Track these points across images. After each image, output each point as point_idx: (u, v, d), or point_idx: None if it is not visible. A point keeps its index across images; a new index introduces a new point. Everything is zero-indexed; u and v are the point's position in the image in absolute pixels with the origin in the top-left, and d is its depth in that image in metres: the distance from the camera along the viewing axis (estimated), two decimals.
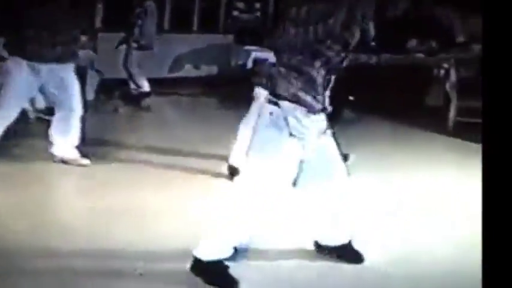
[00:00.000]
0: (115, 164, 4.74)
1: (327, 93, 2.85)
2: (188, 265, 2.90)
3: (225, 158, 4.57)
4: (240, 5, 9.54)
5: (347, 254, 3.19)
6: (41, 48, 4.36)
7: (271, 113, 2.80)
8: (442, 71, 6.96)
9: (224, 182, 4.29)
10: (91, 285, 2.83)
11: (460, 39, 6.89)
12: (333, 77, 2.84)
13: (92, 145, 4.90)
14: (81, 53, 5.95)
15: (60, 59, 4.48)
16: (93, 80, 6.90)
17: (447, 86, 6.57)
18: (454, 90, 6.44)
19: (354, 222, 3.21)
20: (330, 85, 2.85)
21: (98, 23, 8.43)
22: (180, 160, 4.89)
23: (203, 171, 4.60)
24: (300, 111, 2.77)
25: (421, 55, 7.85)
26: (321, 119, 2.88)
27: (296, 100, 2.76)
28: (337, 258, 3.18)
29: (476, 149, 5.81)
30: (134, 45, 7.47)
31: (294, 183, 2.92)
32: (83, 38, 6.78)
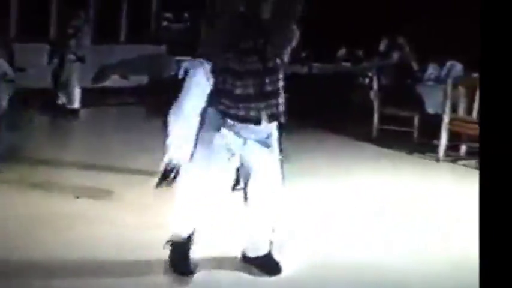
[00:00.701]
0: (25, 174, 4.69)
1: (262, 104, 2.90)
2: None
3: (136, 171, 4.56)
4: (169, 15, 9.58)
5: (267, 264, 3.16)
6: None
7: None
8: (367, 80, 7.17)
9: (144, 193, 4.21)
10: None
11: (382, 47, 7.12)
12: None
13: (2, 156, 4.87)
14: None
15: None
16: (6, 89, 6.75)
17: (371, 94, 6.78)
18: (376, 99, 6.64)
19: (281, 232, 3.21)
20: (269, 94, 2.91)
21: (12, 33, 8.34)
22: (98, 172, 4.85)
23: (121, 184, 4.54)
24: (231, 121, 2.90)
25: (347, 64, 8.10)
26: (260, 129, 2.94)
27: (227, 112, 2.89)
28: (257, 268, 3.15)
29: (396, 155, 6.12)
30: (72, 57, 7.44)
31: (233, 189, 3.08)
32: None
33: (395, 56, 6.84)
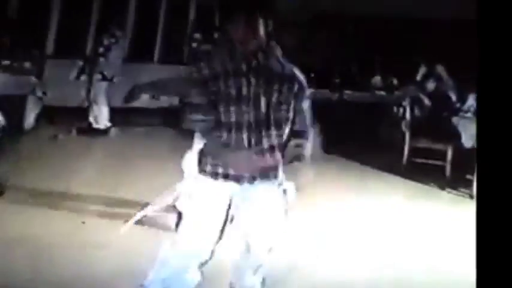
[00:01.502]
0: (34, 194, 4.66)
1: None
2: None
3: None
4: (198, 36, 9.57)
5: None
6: None
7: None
8: (401, 110, 6.98)
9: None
10: None
11: (419, 76, 6.93)
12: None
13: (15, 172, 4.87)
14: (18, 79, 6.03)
15: None
16: (34, 106, 6.85)
17: (403, 125, 6.58)
18: (408, 130, 6.44)
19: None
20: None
21: (49, 49, 8.49)
22: (110, 199, 4.74)
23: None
24: None
25: (382, 93, 7.94)
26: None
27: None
28: None
29: (426, 190, 5.92)
30: (99, 76, 7.35)
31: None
32: (27, 64, 6.87)
33: (432, 85, 6.62)
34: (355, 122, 7.48)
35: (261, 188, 2.70)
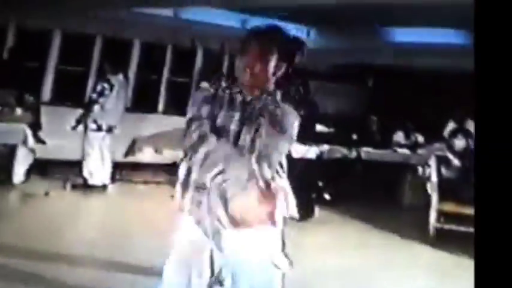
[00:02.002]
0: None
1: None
2: None
3: None
4: (205, 85, 9.42)
5: None
6: None
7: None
8: (428, 170, 6.63)
9: None
10: None
11: (446, 132, 6.61)
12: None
13: None
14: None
15: None
16: (25, 158, 6.52)
17: (428, 187, 6.23)
18: (435, 193, 6.08)
19: None
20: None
21: (45, 95, 8.28)
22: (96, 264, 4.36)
23: None
24: None
25: (405, 151, 7.64)
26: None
27: None
28: None
29: (457, 261, 5.50)
30: (92, 126, 6.94)
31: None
32: (18, 111, 6.59)
33: (461, 142, 6.30)
34: (375, 183, 7.15)
35: (251, 237, 2.42)
